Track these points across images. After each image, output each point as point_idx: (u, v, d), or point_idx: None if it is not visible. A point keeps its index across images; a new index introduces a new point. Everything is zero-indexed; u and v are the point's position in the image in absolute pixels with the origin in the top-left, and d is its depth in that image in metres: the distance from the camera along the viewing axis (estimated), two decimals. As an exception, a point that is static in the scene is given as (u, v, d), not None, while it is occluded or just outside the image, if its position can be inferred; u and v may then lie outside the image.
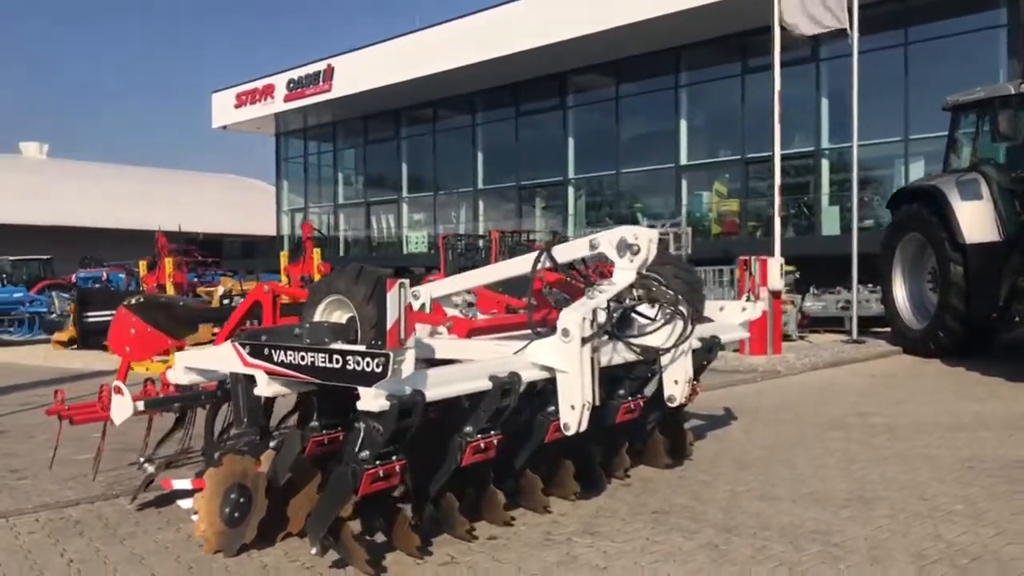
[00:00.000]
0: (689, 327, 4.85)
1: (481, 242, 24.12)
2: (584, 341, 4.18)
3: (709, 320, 5.81)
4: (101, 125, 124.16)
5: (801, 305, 15.05)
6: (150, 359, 4.64)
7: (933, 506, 4.69)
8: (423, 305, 5.33)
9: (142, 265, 18.32)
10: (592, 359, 4.33)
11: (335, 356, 3.57)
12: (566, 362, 4.19)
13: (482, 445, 4.03)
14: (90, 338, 15.19)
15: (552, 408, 4.36)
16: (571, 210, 28.81)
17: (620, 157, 26.74)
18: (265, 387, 3.97)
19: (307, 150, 37.90)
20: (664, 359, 4.98)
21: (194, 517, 4.31)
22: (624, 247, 4.61)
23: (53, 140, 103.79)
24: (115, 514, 4.99)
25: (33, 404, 8.94)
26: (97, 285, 24.76)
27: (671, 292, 4.88)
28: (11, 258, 30.45)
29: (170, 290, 16.90)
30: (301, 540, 4.22)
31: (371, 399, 3.45)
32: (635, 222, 22.76)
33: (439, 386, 3.76)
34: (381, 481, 3.63)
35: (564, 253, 4.90)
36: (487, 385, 3.96)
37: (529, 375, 4.19)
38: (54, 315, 21.54)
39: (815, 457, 5.89)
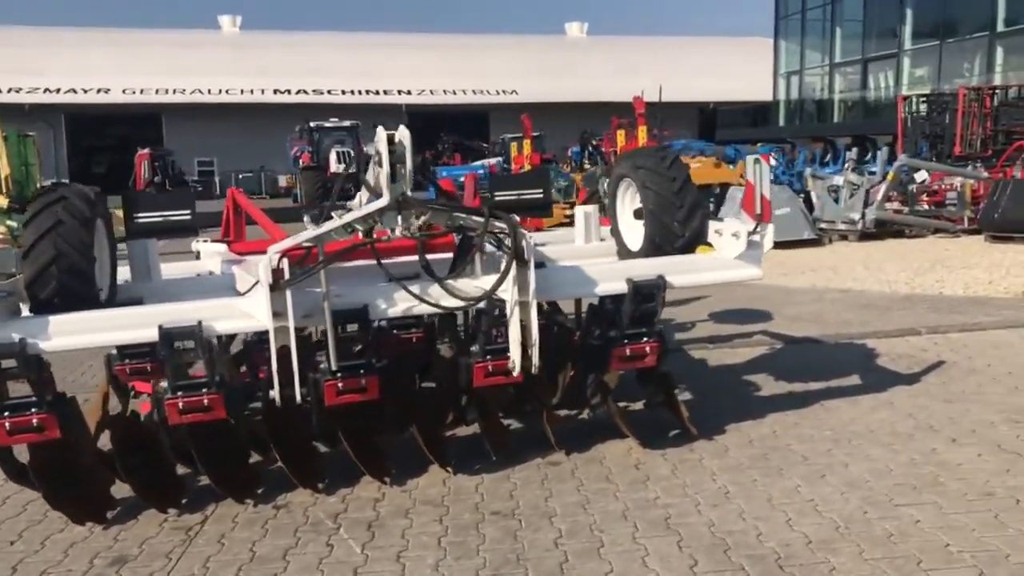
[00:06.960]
0: (512, 267, 3.33)
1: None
2: (276, 287, 3.18)
3: (708, 245, 3.95)
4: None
5: None
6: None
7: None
8: None
9: (526, 144, 18.92)
10: (325, 309, 3.29)
11: None
12: (259, 312, 3.25)
13: (181, 405, 3.37)
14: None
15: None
16: None
17: None
18: None
19: (805, 5, 34.56)
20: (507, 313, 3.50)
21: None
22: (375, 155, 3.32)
23: (593, 18, 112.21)
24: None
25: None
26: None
27: (481, 219, 3.38)
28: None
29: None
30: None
31: None
32: None
33: (63, 335, 3.22)
34: (22, 434, 3.27)
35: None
36: (151, 335, 3.28)
37: (231, 325, 3.36)
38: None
39: (883, 469, 3.70)
